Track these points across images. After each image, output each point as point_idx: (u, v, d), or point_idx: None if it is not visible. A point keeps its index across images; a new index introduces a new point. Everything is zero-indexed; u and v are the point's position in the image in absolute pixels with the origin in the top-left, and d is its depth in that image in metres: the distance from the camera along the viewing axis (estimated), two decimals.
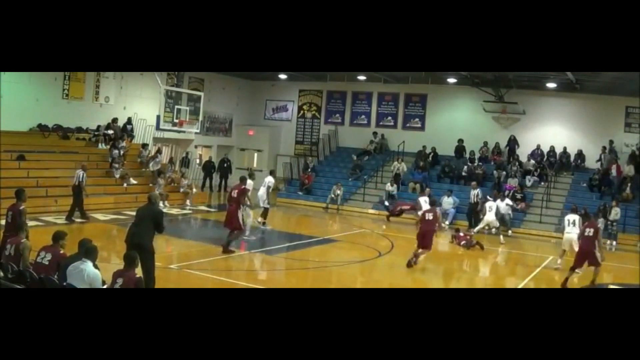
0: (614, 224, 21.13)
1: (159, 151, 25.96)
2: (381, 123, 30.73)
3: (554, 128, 26.78)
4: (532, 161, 25.97)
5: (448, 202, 23.58)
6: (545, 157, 26.22)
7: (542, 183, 25.02)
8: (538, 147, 26.42)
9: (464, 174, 26.17)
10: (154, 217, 10.21)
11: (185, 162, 28.92)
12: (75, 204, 18.06)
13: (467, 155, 27.36)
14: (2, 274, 8.42)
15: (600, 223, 20.36)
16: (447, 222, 22.82)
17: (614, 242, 20.61)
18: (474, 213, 22.16)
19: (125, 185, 22.29)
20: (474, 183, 23.38)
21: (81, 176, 17.99)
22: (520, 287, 13.80)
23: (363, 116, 31.29)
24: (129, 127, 25.50)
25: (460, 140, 27.77)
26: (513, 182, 24.34)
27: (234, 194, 15.39)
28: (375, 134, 30.21)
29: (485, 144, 27.47)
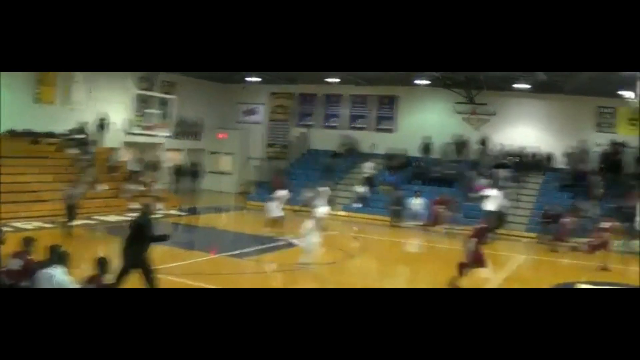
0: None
1: (140, 152, 25.79)
2: (353, 125, 30.82)
3: (524, 129, 27.11)
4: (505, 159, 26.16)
5: (417, 203, 23.74)
6: (513, 156, 26.42)
7: (513, 183, 25.14)
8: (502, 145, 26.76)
9: (435, 175, 26.29)
10: (138, 229, 10.23)
11: (156, 166, 28.64)
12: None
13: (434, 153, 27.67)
14: None
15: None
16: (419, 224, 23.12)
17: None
18: None
19: (99, 189, 21.95)
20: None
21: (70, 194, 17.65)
22: (495, 287, 13.84)
23: (335, 118, 31.34)
24: (100, 129, 25.23)
25: (428, 138, 27.92)
26: (484, 182, 24.41)
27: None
28: (347, 136, 30.29)
29: (460, 137, 27.65)
